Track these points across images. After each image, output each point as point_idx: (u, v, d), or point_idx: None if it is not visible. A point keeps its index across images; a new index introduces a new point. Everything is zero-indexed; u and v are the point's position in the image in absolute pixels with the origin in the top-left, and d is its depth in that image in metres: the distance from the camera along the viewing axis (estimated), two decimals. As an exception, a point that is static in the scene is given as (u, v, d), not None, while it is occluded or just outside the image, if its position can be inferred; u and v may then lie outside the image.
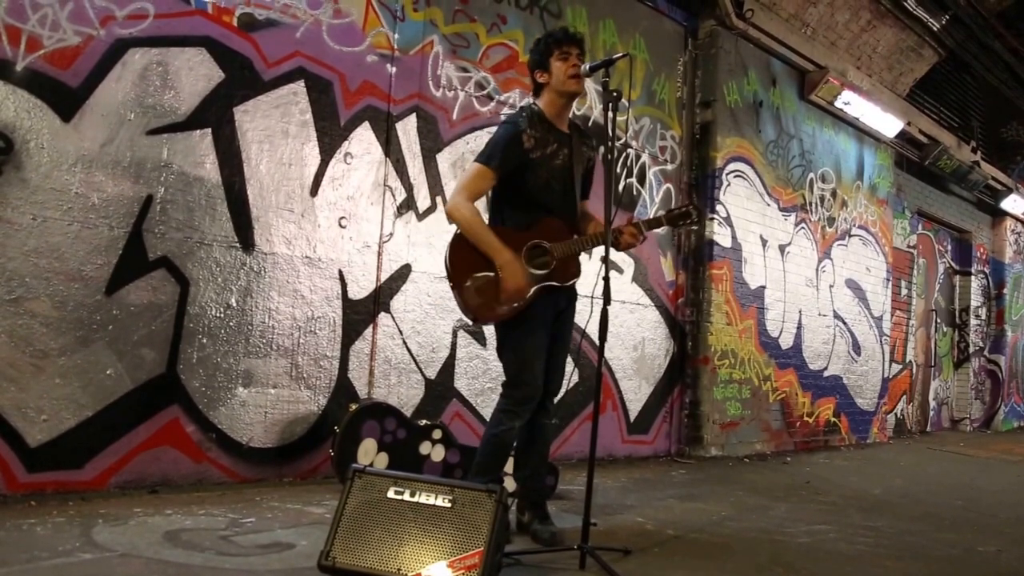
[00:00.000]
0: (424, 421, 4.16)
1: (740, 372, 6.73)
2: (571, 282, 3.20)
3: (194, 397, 3.81)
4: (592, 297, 2.98)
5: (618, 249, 3.22)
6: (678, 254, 6.54)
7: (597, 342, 2.87)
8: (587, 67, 3.10)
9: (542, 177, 3.16)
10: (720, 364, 6.53)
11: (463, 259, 3.04)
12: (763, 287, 7.08)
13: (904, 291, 9.76)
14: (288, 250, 4.17)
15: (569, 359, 3.30)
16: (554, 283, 3.13)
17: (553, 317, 3.21)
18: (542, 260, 3.10)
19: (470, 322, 3.24)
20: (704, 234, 6.56)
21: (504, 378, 3.18)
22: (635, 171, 6.13)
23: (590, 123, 5.73)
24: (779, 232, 7.34)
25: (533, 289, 3.07)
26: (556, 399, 3.33)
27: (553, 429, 3.33)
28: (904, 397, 9.76)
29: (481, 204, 3.30)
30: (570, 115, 3.31)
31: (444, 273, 3.09)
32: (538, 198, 3.16)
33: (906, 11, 8.10)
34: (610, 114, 2.95)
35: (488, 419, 3.26)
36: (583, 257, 3.27)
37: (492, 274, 3.01)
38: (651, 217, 3.25)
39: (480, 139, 4.93)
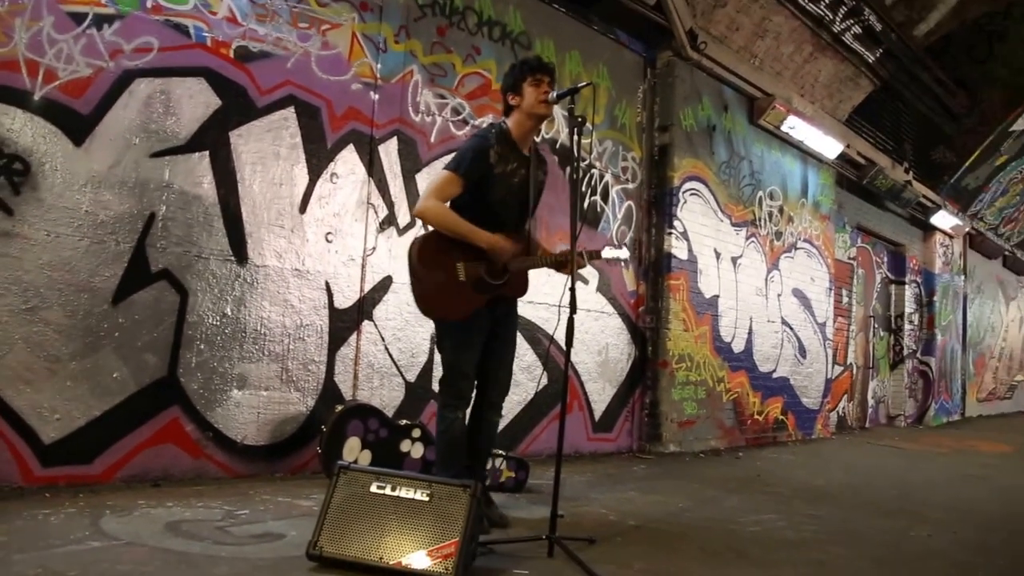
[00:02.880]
0: (404, 421, 4.17)
1: (696, 374, 6.78)
2: (520, 295, 3.23)
3: (193, 398, 3.83)
4: (559, 306, 3.02)
5: (563, 272, 3.20)
6: (639, 266, 6.59)
7: (564, 347, 2.92)
8: (554, 94, 3.15)
9: (500, 192, 3.18)
10: (678, 367, 6.57)
11: (424, 261, 3.10)
12: (717, 296, 7.13)
13: (845, 299, 9.89)
14: (279, 263, 4.21)
15: (538, 363, 3.34)
16: (504, 294, 3.18)
17: (493, 321, 3.24)
18: (499, 271, 3.16)
19: (430, 318, 3.28)
20: (663, 247, 6.60)
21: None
22: (599, 190, 6.19)
23: (557, 145, 5.80)
24: (731, 245, 7.40)
25: (485, 298, 3.15)
26: (504, 396, 3.34)
27: (496, 425, 3.35)
28: (845, 396, 9.88)
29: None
30: (534, 139, 3.33)
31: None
32: (495, 212, 3.18)
33: (844, 44, 8.30)
34: (576, 137, 3.01)
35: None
36: (548, 270, 3.35)
37: (453, 274, 3.08)
38: (592, 250, 3.25)
39: None
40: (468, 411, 3.29)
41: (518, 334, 3.50)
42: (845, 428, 9.84)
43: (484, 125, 5.20)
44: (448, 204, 3.17)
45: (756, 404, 7.64)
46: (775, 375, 8.00)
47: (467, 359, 3.17)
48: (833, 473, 5.92)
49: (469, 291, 3.11)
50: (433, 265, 3.09)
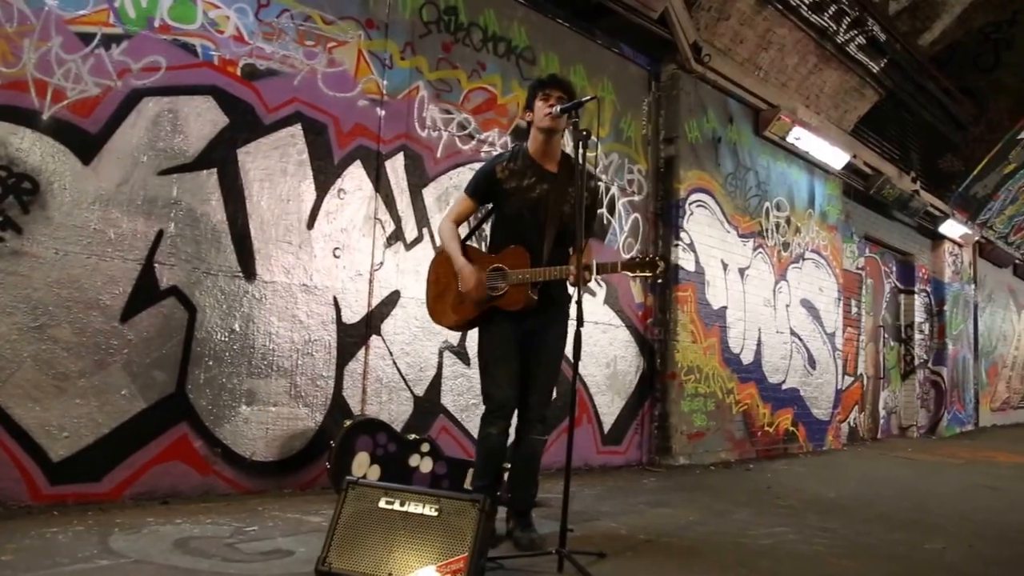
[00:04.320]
0: (413, 435, 4.16)
1: (705, 386, 6.74)
2: (515, 309, 3.13)
3: (201, 415, 3.83)
4: (567, 319, 3.04)
5: (571, 284, 3.12)
6: (646, 278, 6.56)
7: (572, 360, 2.91)
8: (558, 108, 3.14)
9: (513, 206, 3.22)
10: (686, 379, 6.54)
11: (438, 272, 3.30)
12: (725, 307, 7.11)
13: (854, 309, 9.85)
14: (287, 279, 4.21)
15: None
16: (499, 306, 3.14)
17: (521, 338, 3.19)
18: (496, 284, 3.16)
19: (438, 324, 3.31)
20: (670, 259, 6.58)
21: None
22: (605, 201, 6.19)
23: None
24: (739, 256, 7.38)
25: (483, 306, 3.17)
26: (545, 417, 3.26)
27: (542, 445, 3.28)
28: (856, 407, 9.81)
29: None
30: (561, 155, 3.28)
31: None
32: (512, 224, 3.23)
33: (848, 55, 8.31)
34: (581, 151, 2.98)
35: (474, 434, 3.34)
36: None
37: (455, 286, 3.21)
38: (608, 262, 3.09)
39: (462, 175, 5.00)
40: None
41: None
42: (856, 439, 9.76)
43: (492, 141, 5.25)
44: (472, 221, 3.46)
45: (766, 416, 7.60)
46: (785, 386, 7.96)
47: (495, 368, 3.17)
48: (845, 485, 5.87)
49: (468, 302, 3.20)
50: (439, 277, 3.29)
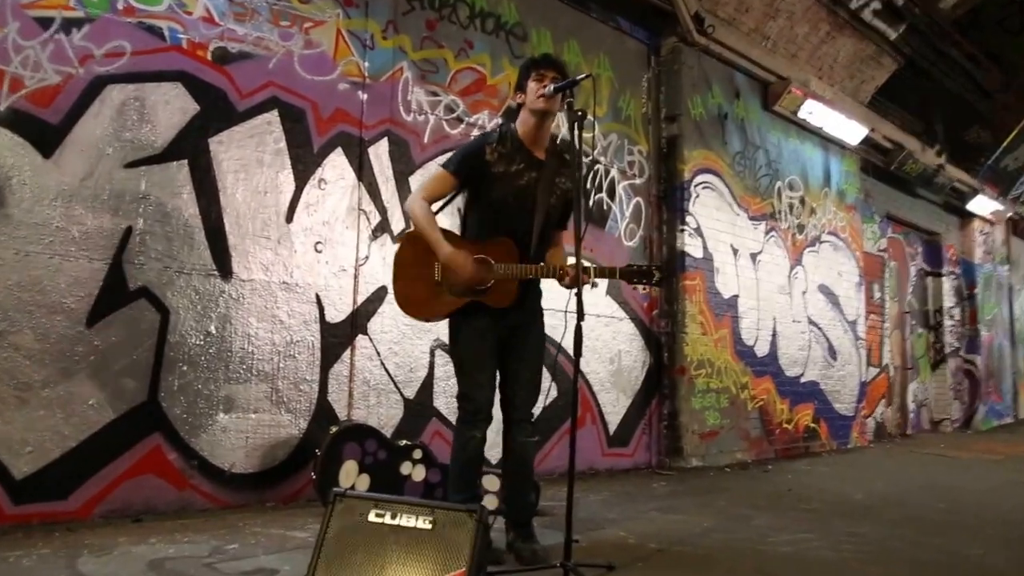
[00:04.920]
0: (404, 441, 4.16)
1: (717, 381, 6.75)
2: (502, 306, 3.15)
3: (176, 424, 3.84)
4: (567, 312, 2.99)
5: (562, 285, 3.15)
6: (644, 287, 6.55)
7: (573, 356, 2.90)
8: (551, 87, 3.13)
9: (499, 192, 3.18)
10: (697, 374, 6.54)
11: (408, 255, 3.16)
12: (736, 296, 7.12)
13: (877, 294, 9.82)
14: (266, 276, 4.22)
15: (546, 374, 3.31)
16: (483, 303, 3.13)
17: (502, 333, 3.21)
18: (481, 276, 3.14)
19: (407, 315, 3.26)
20: (675, 246, 6.59)
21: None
22: (604, 186, 6.19)
23: (558, 140, 5.77)
24: (750, 241, 7.38)
25: (459, 303, 3.13)
26: (533, 416, 3.29)
27: (533, 447, 3.32)
28: (883, 400, 9.76)
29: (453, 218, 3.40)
30: (549, 141, 3.31)
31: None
32: (496, 213, 3.18)
33: (863, 22, 8.29)
34: (576, 132, 3.00)
35: None
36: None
37: (430, 274, 3.11)
38: (606, 266, 3.22)
39: None
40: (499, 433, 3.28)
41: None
42: (884, 436, 9.71)
43: (482, 124, 5.23)
44: (440, 203, 3.23)
45: (784, 412, 7.60)
46: (803, 379, 7.96)
47: (474, 366, 3.17)
48: (873, 485, 5.82)
49: (444, 293, 3.13)
50: (414, 261, 3.14)
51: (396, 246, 3.19)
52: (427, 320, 3.28)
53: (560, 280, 3.15)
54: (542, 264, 3.18)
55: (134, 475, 3.68)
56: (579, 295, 2.92)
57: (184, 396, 3.89)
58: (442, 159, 5.01)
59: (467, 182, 3.21)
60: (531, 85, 3.20)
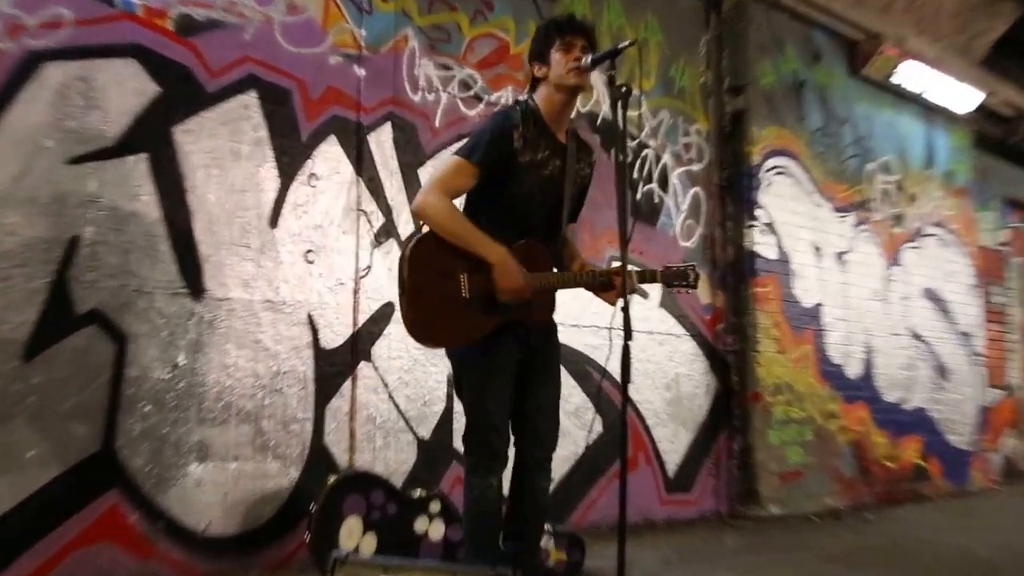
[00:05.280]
0: (419, 492, 4.15)
1: (799, 409, 6.72)
2: (540, 321, 3.19)
3: (137, 478, 3.79)
4: (611, 329, 2.92)
5: (606, 299, 3.22)
6: (713, 271, 6.55)
7: (621, 383, 2.82)
8: (588, 60, 3.09)
9: (526, 186, 3.14)
10: (774, 401, 6.52)
11: (422, 264, 3.00)
12: (819, 305, 7.10)
13: (998, 299, 9.71)
14: (246, 294, 4.20)
15: (589, 405, 3.29)
16: (518, 319, 3.11)
17: (522, 356, 3.18)
18: None
19: (421, 344, 3.21)
20: (743, 245, 6.58)
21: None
22: (655, 174, 6.18)
23: (598, 121, 5.79)
24: (835, 237, 7.37)
25: (495, 322, 3.07)
26: (551, 452, 3.30)
27: (546, 491, 3.30)
28: (1011, 431, 9.59)
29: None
30: (571, 120, 3.34)
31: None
32: (519, 211, 3.16)
33: (973, -40, 8.20)
34: (620, 111, 2.92)
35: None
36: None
37: (456, 288, 3.00)
38: (647, 270, 3.27)
39: None
40: (509, 475, 3.23)
41: (562, 369, 3.43)
42: (1015, 474, 9.49)
43: (505, 102, 5.21)
44: (456, 200, 3.14)
45: (884, 446, 7.55)
46: (907, 406, 7.91)
47: (495, 403, 3.12)
48: (1001, 538, 5.76)
49: (475, 312, 3.04)
50: (429, 277, 3.01)
51: (404, 248, 3.07)
52: (450, 348, 3.23)
53: (604, 289, 3.18)
54: (589, 269, 3.22)
55: (86, 543, 3.63)
56: (626, 309, 2.86)
57: (147, 443, 3.85)
58: (456, 146, 5.02)
59: (492, 172, 3.11)
60: (556, 56, 3.17)
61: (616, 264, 3.04)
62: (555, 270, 3.21)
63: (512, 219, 3.15)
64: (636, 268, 3.18)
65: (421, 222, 3.14)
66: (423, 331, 3.02)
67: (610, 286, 3.16)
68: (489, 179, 3.10)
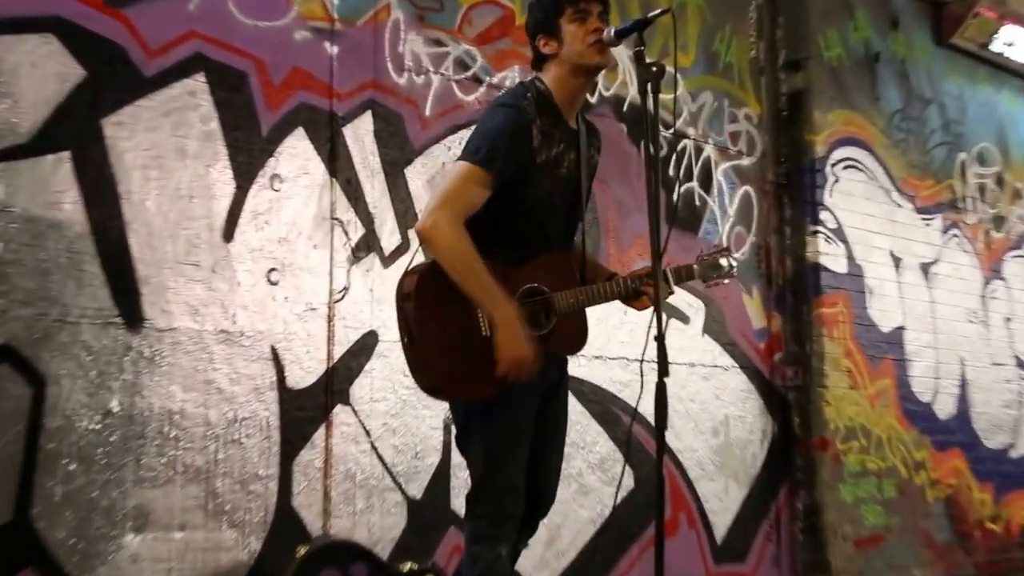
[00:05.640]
0: (409, 565, 4.26)
1: (878, 459, 6.72)
2: (572, 352, 3.22)
3: (58, 554, 3.73)
4: (643, 362, 2.94)
5: (635, 306, 3.27)
6: (768, 287, 6.57)
7: (655, 428, 2.79)
8: (612, 32, 3.07)
9: (544, 190, 3.14)
10: (846, 448, 6.51)
11: (432, 302, 3.00)
12: (901, 329, 7.10)
13: None
14: (195, 323, 4.18)
15: (617, 454, 3.25)
16: (549, 351, 3.10)
17: (543, 396, 3.19)
18: (541, 316, 3.09)
19: (438, 399, 3.33)
20: (805, 256, 6.59)
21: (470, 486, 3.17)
22: (696, 170, 6.20)
23: (624, 107, 5.80)
24: (918, 244, 7.38)
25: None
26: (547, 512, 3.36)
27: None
28: None
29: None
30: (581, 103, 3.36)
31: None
32: (534, 220, 3.15)
33: None
34: (651, 96, 2.90)
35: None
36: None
37: (474, 326, 2.99)
38: (682, 265, 3.37)
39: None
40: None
41: (585, 411, 3.41)
42: None
43: (511, 85, 5.17)
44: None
45: (986, 503, 7.54)
46: (1014, 453, 7.89)
47: (514, 458, 3.12)
48: None
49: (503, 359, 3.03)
50: (440, 314, 3.00)
51: (403, 282, 3.06)
52: (473, 399, 3.14)
53: (636, 297, 3.21)
54: (617, 279, 3.23)
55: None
56: (660, 337, 2.80)
57: (72, 510, 3.80)
58: (454, 140, 5.07)
59: (510, 180, 3.10)
60: (570, 28, 3.15)
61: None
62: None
63: (526, 231, 3.15)
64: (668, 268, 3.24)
65: (423, 246, 3.12)
66: (438, 381, 3.06)
67: (640, 296, 3.23)
68: (502, 186, 3.08)
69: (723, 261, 3.40)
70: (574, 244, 3.37)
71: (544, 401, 3.21)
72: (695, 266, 3.38)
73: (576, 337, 3.21)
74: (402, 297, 3.04)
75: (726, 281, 3.42)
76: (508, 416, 3.09)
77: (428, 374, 3.04)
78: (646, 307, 3.18)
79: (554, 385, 3.27)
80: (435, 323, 3.00)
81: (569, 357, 3.36)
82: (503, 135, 3.06)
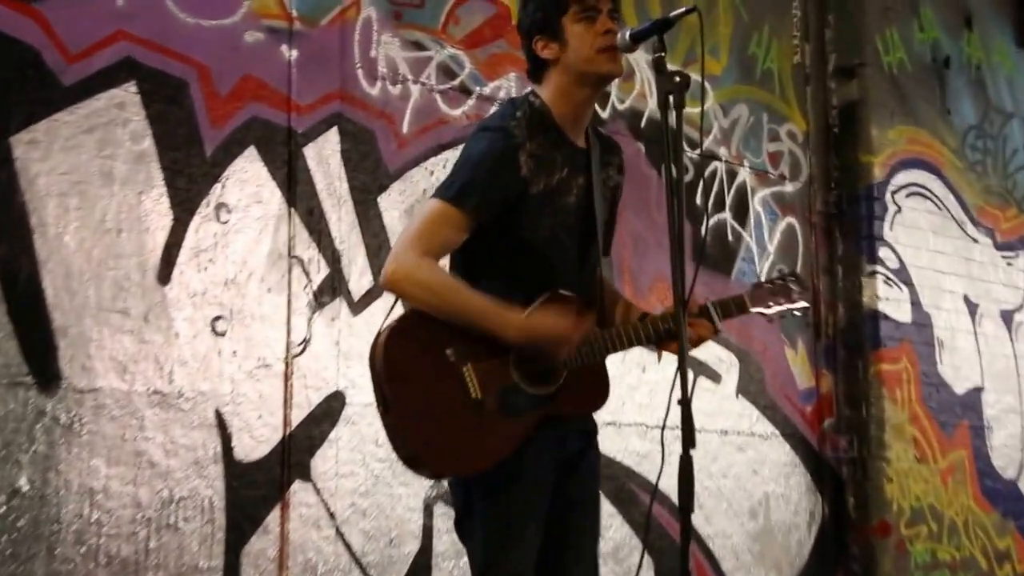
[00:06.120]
0: None
1: (951, 547, 6.71)
2: (590, 411, 3.18)
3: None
4: (664, 429, 2.86)
5: (671, 350, 3.11)
6: (816, 340, 6.61)
7: (679, 508, 2.70)
8: (626, 34, 3.02)
9: (544, 226, 3.10)
10: (912, 534, 6.50)
11: (407, 370, 2.99)
12: (978, 389, 7.11)
13: None
14: (122, 382, 4.18)
15: (634, 537, 3.21)
16: (561, 412, 3.08)
17: (561, 469, 3.15)
18: (545, 369, 3.04)
19: (425, 477, 3.18)
20: (861, 301, 6.59)
21: None
22: (728, 198, 6.23)
23: (642, 122, 5.84)
24: (999, 288, 7.41)
25: (529, 424, 3.03)
26: None
27: None
28: None
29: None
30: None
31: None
32: (540, 261, 3.12)
33: None
34: (672, 110, 2.85)
35: None
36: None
37: (460, 386, 2.95)
38: (730, 297, 3.24)
39: (452, 164, 4.97)
40: None
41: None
42: None
43: (505, 96, 5.23)
44: (443, 259, 3.14)
45: None
46: None
47: (521, 548, 3.08)
48: None
49: (496, 416, 3.01)
50: (419, 380, 3.00)
51: (374, 342, 3.03)
52: (470, 474, 3.13)
53: (670, 338, 3.09)
54: (649, 319, 3.13)
55: None
56: (685, 401, 2.69)
57: (-35, 612, 3.81)
58: (436, 163, 5.09)
59: (487, 221, 3.07)
60: (575, 29, 3.12)
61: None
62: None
63: (529, 275, 3.11)
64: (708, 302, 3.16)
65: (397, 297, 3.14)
66: (430, 462, 3.06)
67: (671, 338, 3.08)
68: (490, 226, 3.08)
69: (792, 285, 3.24)
70: (594, 281, 3.29)
71: (562, 476, 3.17)
72: (746, 296, 3.22)
73: (592, 392, 3.15)
74: (372, 359, 3.02)
75: (798, 312, 3.33)
76: (514, 491, 3.05)
77: (409, 449, 3.04)
78: (671, 351, 3.09)
79: (575, 456, 3.21)
80: (413, 386, 3.00)
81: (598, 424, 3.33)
82: (480, 166, 3.06)
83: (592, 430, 3.32)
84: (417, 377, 2.98)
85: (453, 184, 3.04)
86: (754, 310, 3.22)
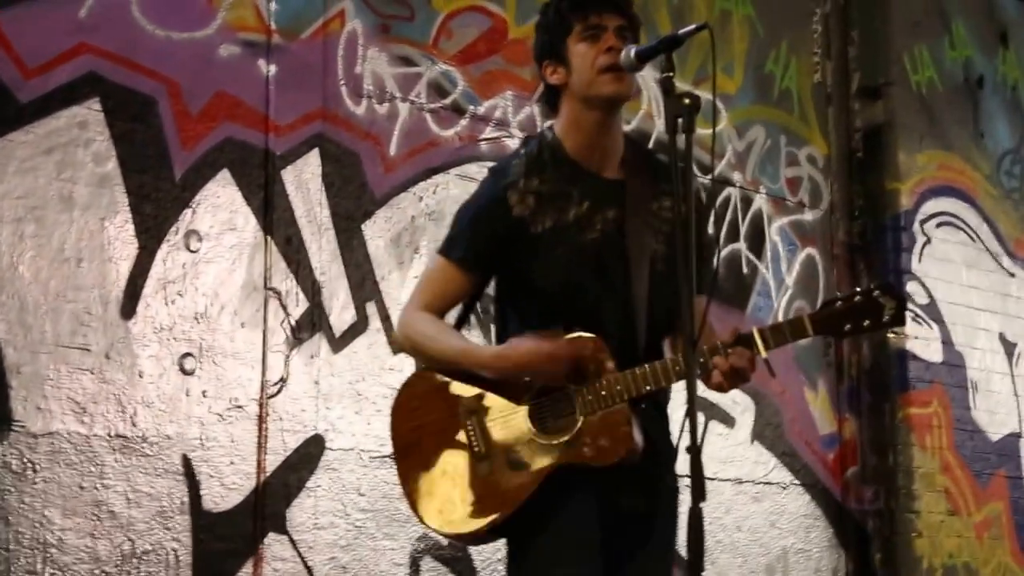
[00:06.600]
0: None
1: None
2: (615, 460, 3.05)
3: None
4: None
5: (709, 385, 3.02)
6: (839, 381, 6.59)
7: (688, 564, 2.62)
8: (632, 52, 2.99)
9: (559, 267, 3.08)
10: None
11: (412, 439, 3.07)
12: (1015, 435, 7.11)
13: None
14: (81, 425, 4.16)
15: None
16: (583, 461, 3.03)
17: (615, 528, 3.10)
18: (560, 419, 3.03)
19: (442, 539, 3.17)
20: (887, 340, 6.56)
21: None
22: (743, 227, 6.24)
23: (651, 143, 5.81)
24: None
25: (542, 471, 3.02)
26: None
27: None
28: None
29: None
30: (624, 141, 3.29)
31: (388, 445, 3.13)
32: (554, 303, 3.09)
33: None
34: (680, 133, 2.76)
35: None
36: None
37: (457, 441, 3.02)
38: (784, 320, 3.12)
39: (445, 192, 5.08)
40: None
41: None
42: None
43: (500, 116, 5.25)
44: (447, 311, 3.21)
45: None
46: None
47: None
48: None
49: (506, 467, 3.05)
50: (427, 447, 3.12)
51: (379, 372, 3.10)
52: (493, 532, 3.14)
53: (705, 379, 3.00)
54: (668, 360, 3.03)
55: None
56: (695, 448, 2.62)
57: None
58: (425, 188, 5.10)
59: (490, 269, 3.17)
60: (579, 49, 3.12)
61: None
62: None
63: (549, 318, 3.07)
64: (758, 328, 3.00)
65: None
66: (459, 527, 3.09)
67: (705, 378, 2.96)
68: (502, 271, 3.16)
69: (881, 300, 2.88)
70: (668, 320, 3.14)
71: (614, 534, 3.11)
72: (806, 318, 2.94)
73: (613, 439, 3.03)
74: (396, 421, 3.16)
75: (892, 333, 3.19)
76: (549, 564, 3.03)
77: (442, 524, 3.11)
78: (721, 385, 2.96)
79: (637, 513, 3.12)
80: (423, 461, 3.09)
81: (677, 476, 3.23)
82: (467, 212, 3.17)
83: (663, 484, 3.21)
84: (424, 443, 3.12)
85: (447, 235, 3.18)
86: (818, 335, 3.06)
